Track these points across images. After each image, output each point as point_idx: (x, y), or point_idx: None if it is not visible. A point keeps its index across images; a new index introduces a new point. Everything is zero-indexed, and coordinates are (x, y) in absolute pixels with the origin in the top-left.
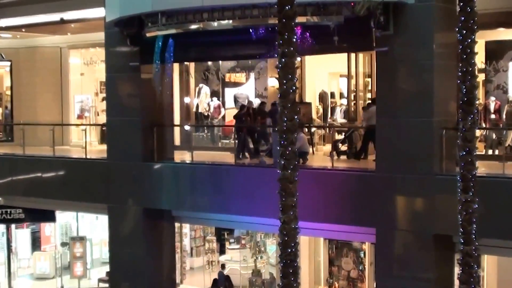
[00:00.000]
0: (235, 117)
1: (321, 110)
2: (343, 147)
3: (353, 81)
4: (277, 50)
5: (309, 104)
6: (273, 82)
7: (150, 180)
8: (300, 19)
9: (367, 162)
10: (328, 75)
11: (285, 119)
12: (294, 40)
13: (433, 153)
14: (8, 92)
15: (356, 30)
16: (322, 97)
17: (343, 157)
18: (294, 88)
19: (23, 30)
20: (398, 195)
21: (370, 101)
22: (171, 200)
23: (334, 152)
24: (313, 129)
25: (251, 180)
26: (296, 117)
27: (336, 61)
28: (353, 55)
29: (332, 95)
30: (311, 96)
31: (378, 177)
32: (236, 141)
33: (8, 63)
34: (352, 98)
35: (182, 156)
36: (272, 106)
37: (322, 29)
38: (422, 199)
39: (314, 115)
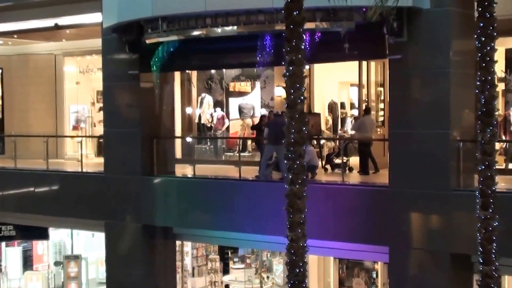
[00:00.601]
0: (254, 128)
1: (330, 121)
2: (338, 160)
3: (364, 91)
4: (285, 58)
5: (318, 115)
6: (280, 92)
7: (150, 195)
8: (308, 25)
9: (376, 176)
10: (338, 84)
11: (293, 130)
12: (302, 47)
13: (449, 167)
14: None
15: (368, 36)
16: (332, 107)
17: (346, 171)
18: (302, 98)
19: (15, 36)
20: (413, 212)
21: (364, 111)
22: (172, 216)
23: (328, 166)
24: (322, 142)
25: (257, 196)
26: (304, 128)
27: (347, 70)
28: (364, 63)
29: (342, 105)
30: (320, 106)
31: (391, 192)
32: (243, 153)
33: None
34: (364, 109)
35: (184, 170)
36: (274, 117)
37: (332, 36)
38: (438, 216)
39: (323, 127)
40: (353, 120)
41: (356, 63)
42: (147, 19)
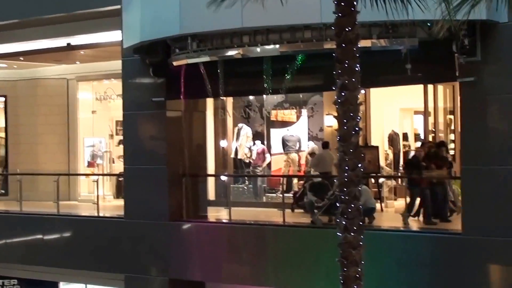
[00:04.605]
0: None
1: (391, 156)
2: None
3: (431, 119)
4: (336, 82)
5: (376, 148)
6: (330, 121)
7: (178, 244)
8: (363, 43)
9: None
10: (399, 112)
11: (346, 168)
12: (357, 69)
13: None
14: (2, 134)
15: (434, 56)
16: (392, 139)
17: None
18: (356, 128)
19: (22, 58)
20: (492, 264)
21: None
22: (204, 269)
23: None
24: (381, 180)
25: (305, 245)
26: (360, 165)
27: (410, 95)
28: (430, 87)
29: (405, 136)
30: (378, 138)
31: (465, 241)
32: (287, 194)
33: (2, 99)
34: (430, 140)
35: (218, 214)
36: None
37: (391, 55)
38: None
39: (382, 162)
40: (309, 156)
41: (421, 87)
42: (175, 38)
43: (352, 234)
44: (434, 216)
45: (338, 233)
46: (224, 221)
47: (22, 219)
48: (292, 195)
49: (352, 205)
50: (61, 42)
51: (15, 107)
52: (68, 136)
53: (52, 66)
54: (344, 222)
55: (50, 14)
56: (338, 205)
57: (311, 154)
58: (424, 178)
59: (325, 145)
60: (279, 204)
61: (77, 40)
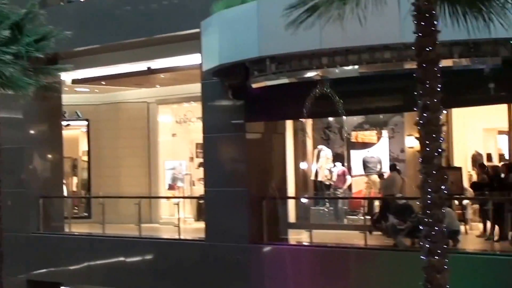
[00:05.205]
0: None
1: (474, 177)
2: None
3: None
4: (417, 103)
5: (459, 169)
6: (412, 142)
7: (259, 266)
8: (445, 63)
9: None
10: (482, 132)
11: (429, 190)
12: (438, 89)
13: None
14: (85, 158)
15: None
16: (476, 160)
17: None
18: (439, 150)
19: (103, 83)
20: None
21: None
22: None
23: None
24: (465, 202)
25: (388, 268)
26: (443, 187)
27: (493, 114)
28: None
29: (489, 157)
30: (461, 159)
31: None
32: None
33: (85, 123)
34: (390, 166)
35: (299, 237)
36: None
37: (473, 75)
38: None
39: (465, 184)
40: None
41: (505, 106)
42: (253, 60)
43: (436, 257)
44: None
45: (422, 257)
46: (305, 243)
47: (104, 242)
48: (370, 217)
49: (436, 228)
50: (141, 66)
51: (97, 130)
52: (149, 159)
53: (133, 89)
54: (428, 245)
55: (131, 39)
56: (421, 227)
57: (380, 176)
58: None
59: (393, 167)
60: (360, 227)
61: (157, 64)
